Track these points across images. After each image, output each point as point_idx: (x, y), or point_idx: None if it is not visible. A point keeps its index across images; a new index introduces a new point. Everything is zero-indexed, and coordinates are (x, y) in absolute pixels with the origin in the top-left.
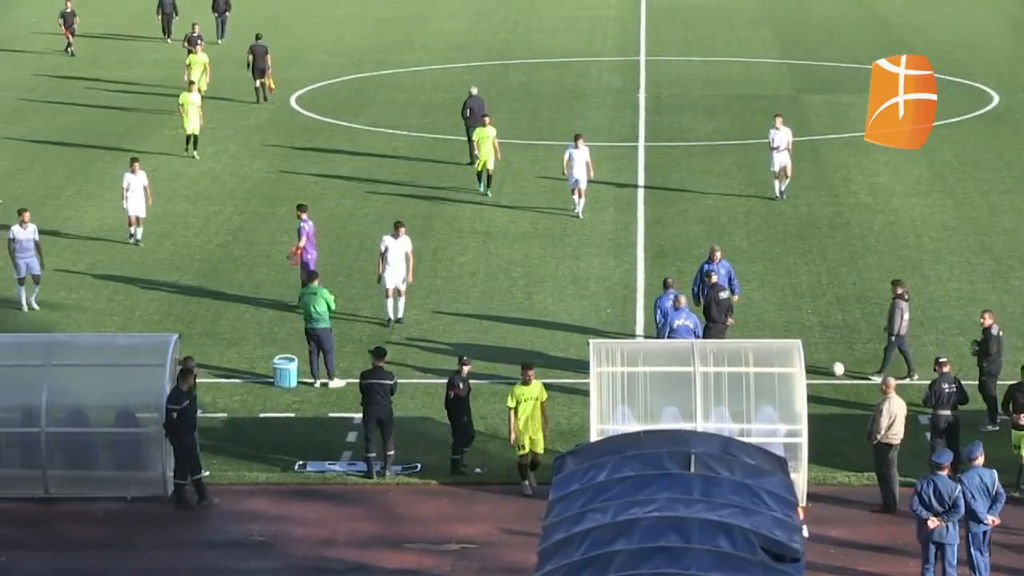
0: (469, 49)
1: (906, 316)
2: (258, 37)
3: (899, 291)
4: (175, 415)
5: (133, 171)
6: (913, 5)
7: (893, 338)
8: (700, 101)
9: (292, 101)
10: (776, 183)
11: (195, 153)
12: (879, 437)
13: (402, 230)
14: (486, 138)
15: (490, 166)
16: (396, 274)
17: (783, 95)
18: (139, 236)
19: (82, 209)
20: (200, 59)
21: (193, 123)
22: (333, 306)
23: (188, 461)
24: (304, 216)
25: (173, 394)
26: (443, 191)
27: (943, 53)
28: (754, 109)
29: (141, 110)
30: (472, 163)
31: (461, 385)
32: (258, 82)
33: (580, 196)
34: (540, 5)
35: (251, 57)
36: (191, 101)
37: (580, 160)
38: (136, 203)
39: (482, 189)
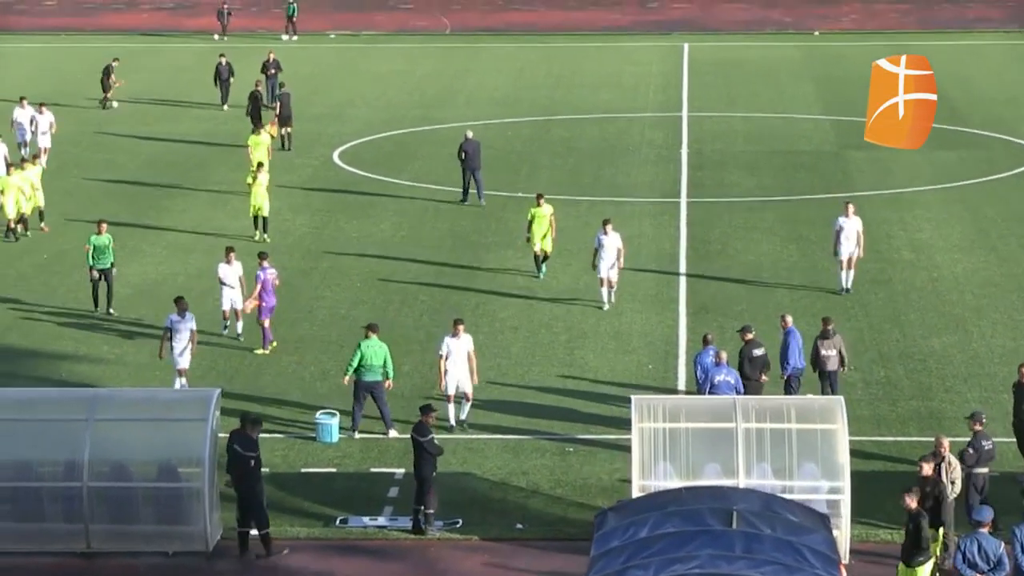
0: (511, 104)
1: (823, 352)
2: (281, 86)
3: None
4: (252, 462)
5: (228, 262)
6: (955, 60)
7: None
8: (742, 156)
9: (335, 156)
10: (842, 274)
11: (265, 236)
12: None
13: (461, 328)
14: (542, 216)
15: (547, 247)
16: (460, 377)
17: (825, 151)
18: (239, 330)
19: (126, 264)
20: (263, 140)
21: (260, 202)
22: (391, 364)
23: (256, 511)
24: (265, 264)
25: (244, 441)
26: (485, 246)
27: (986, 109)
28: (796, 165)
29: (185, 164)
30: (464, 201)
31: None
32: (283, 130)
33: (611, 288)
34: (583, 61)
35: (278, 105)
36: (259, 181)
37: (611, 248)
38: (232, 295)
39: (539, 274)
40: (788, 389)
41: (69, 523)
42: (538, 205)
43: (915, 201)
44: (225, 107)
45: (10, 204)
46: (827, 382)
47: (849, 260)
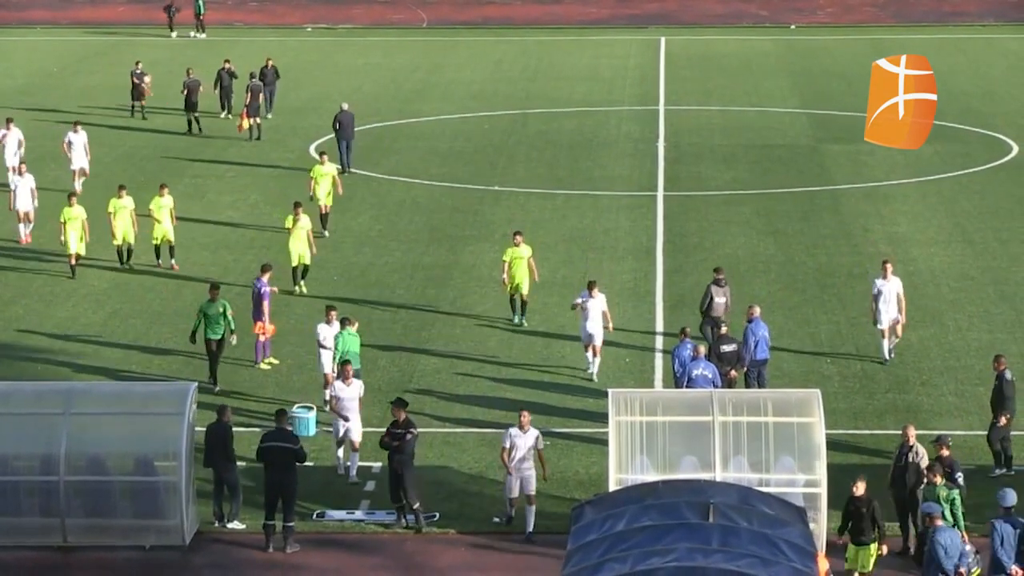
0: (488, 98)
1: (716, 300)
2: (252, 76)
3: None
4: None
5: (328, 322)
6: (932, 55)
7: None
8: (719, 150)
9: (311, 150)
10: (884, 343)
11: (304, 288)
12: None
13: (527, 419)
14: (519, 259)
15: (524, 291)
16: (524, 475)
17: (802, 144)
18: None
19: (101, 258)
20: (327, 171)
21: (301, 249)
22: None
23: (292, 501)
24: (265, 278)
25: (282, 434)
26: (462, 240)
27: (962, 103)
28: (773, 158)
29: (160, 158)
30: (344, 172)
31: None
32: (253, 121)
33: (596, 355)
34: (559, 54)
35: (248, 96)
36: (300, 224)
37: (596, 310)
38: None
39: (516, 320)
40: (748, 380)
41: (45, 517)
42: (515, 245)
43: (891, 194)
44: (227, 115)
45: (72, 237)
46: (712, 326)
47: (892, 327)
